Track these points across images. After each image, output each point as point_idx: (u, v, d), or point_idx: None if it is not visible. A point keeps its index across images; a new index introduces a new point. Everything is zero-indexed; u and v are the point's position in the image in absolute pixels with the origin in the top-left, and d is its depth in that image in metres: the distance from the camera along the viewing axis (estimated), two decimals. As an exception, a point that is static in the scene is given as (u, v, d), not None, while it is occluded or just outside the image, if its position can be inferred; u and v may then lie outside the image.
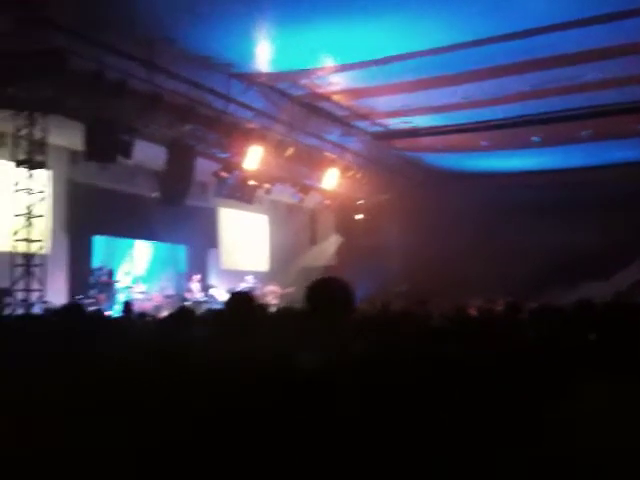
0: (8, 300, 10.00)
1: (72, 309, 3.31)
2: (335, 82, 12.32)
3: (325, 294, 2.30)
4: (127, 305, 7.33)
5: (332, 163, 15.59)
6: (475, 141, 15.20)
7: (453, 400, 2.39)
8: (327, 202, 17.99)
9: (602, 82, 11.72)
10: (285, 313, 3.31)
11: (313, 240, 21.90)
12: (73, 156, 13.70)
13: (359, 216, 18.89)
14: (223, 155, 14.17)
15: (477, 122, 14.10)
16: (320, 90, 12.78)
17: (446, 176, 17.87)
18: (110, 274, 14.39)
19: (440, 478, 2.03)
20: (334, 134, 15.09)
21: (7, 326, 3.70)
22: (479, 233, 16.92)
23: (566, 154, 15.95)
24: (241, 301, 2.65)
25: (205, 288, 16.69)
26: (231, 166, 14.31)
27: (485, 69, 11.24)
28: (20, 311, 9.77)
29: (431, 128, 14.79)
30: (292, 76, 12.10)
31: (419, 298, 9.29)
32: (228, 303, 2.68)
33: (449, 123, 14.33)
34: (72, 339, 2.94)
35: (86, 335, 2.93)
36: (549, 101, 12.72)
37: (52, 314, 4.36)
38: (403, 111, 13.74)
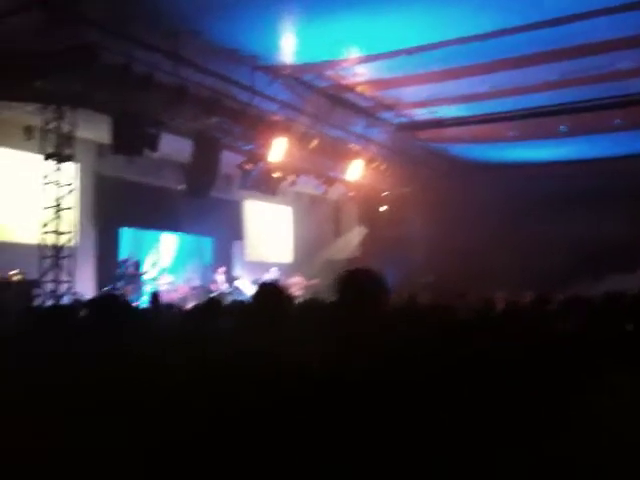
0: (37, 292, 10.18)
1: (107, 301, 3.36)
2: (360, 73, 12.26)
3: (355, 286, 2.29)
4: (155, 296, 7.42)
5: (356, 154, 15.54)
6: (502, 131, 15.03)
7: (481, 393, 2.38)
8: (351, 194, 17.96)
9: (632, 70, 11.50)
10: (313, 305, 3.31)
11: (337, 232, 21.89)
12: (100, 149, 13.86)
13: (383, 208, 18.82)
14: (248, 147, 14.22)
15: (504, 112, 13.93)
16: (345, 81, 12.73)
17: (471, 167, 17.71)
18: (137, 266, 14.55)
19: (467, 471, 2.02)
20: (359, 125, 15.04)
21: (44, 316, 3.76)
22: (505, 224, 16.76)
23: (594, 144, 15.69)
24: (269, 293, 2.66)
25: (230, 280, 16.80)
26: (256, 158, 14.36)
27: (513, 58, 11.09)
28: (49, 302, 9.94)
29: (457, 119, 14.65)
30: (317, 68, 12.07)
31: (456, 291, 9.25)
32: (256, 294, 2.69)
33: (476, 113, 14.19)
34: (107, 331, 2.99)
35: (120, 327, 2.98)
36: (577, 90, 12.52)
37: (87, 305, 4.42)
38: (429, 101, 13.62)
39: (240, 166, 14.47)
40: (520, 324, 4.48)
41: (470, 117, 14.42)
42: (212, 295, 14.80)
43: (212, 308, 4.09)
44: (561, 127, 14.37)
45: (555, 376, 2.64)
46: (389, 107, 14.36)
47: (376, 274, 2.33)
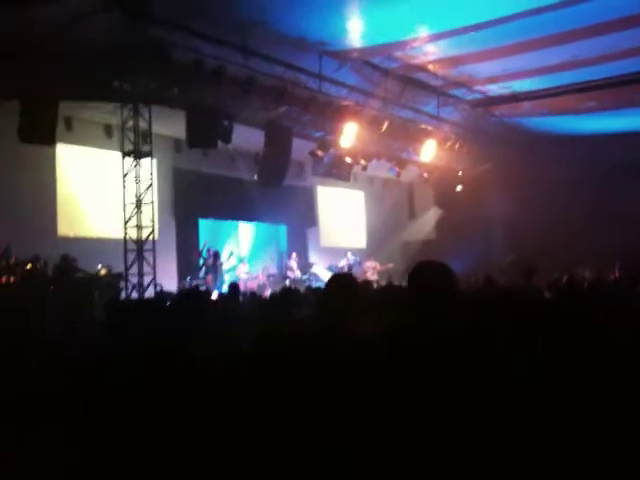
0: (123, 285, 10.60)
1: (192, 294, 3.46)
2: (430, 52, 11.98)
3: (424, 281, 2.25)
4: (233, 286, 7.56)
5: (429, 135, 15.26)
6: (580, 102, 14.35)
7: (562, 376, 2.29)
8: (425, 175, 17.66)
9: None
10: (384, 297, 3.28)
11: (412, 214, 21.65)
12: (177, 144, 14.28)
13: (459, 188, 18.41)
14: (318, 134, 14.23)
15: (583, 82, 13.28)
16: (415, 61, 12.48)
17: (549, 140, 17.00)
18: (216, 256, 14.91)
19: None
20: (430, 105, 14.74)
21: (129, 309, 3.91)
22: (587, 199, 16.05)
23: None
24: (341, 283, 2.65)
25: (306, 266, 16.96)
26: (327, 144, 14.36)
27: (590, 27, 10.51)
28: (134, 294, 10.34)
29: (533, 92, 14.10)
30: (385, 49, 11.88)
31: (525, 270, 8.92)
32: (327, 285, 2.68)
33: (552, 85, 13.60)
34: (192, 322, 3.08)
35: (204, 318, 3.06)
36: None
37: (173, 298, 4.56)
38: (503, 76, 13.16)
39: (311, 153, 14.52)
40: (606, 305, 4.27)
41: (546, 89, 13.84)
42: (286, 282, 15.02)
43: (288, 297, 4.13)
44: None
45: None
46: (461, 84, 13.98)
47: (445, 266, 2.28)
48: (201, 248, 14.96)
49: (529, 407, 2.02)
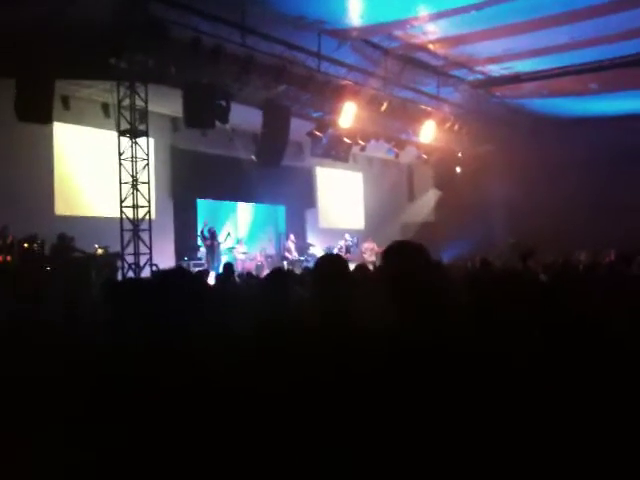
0: (119, 264, 10.58)
1: (175, 273, 3.42)
2: (431, 31, 11.83)
3: (397, 258, 2.22)
4: (227, 267, 7.55)
5: (429, 115, 15.15)
6: (583, 83, 14.21)
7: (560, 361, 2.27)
8: (424, 156, 17.57)
9: None
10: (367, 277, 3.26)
11: (411, 196, 21.59)
12: (174, 123, 14.18)
13: (458, 169, 18.33)
14: (317, 114, 14.13)
15: (585, 63, 13.14)
16: (415, 40, 12.34)
17: (551, 123, 16.89)
18: (214, 236, 14.89)
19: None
20: (430, 85, 14.60)
21: (120, 288, 3.87)
22: (588, 182, 15.97)
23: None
24: (329, 264, 2.62)
25: (304, 247, 16.95)
26: (325, 124, 14.27)
27: (593, 6, 10.38)
28: (130, 274, 10.32)
29: (535, 72, 13.96)
30: (385, 28, 11.74)
31: (522, 253, 8.89)
32: (315, 267, 2.66)
33: (554, 66, 13.46)
34: (174, 303, 3.04)
35: (187, 299, 3.02)
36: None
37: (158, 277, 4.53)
38: (504, 56, 13.03)
39: (310, 133, 14.43)
40: (599, 288, 4.25)
41: (548, 70, 13.70)
42: (285, 263, 15.02)
43: (280, 278, 4.10)
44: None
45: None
46: (462, 64, 13.84)
47: (419, 246, 2.24)
48: (202, 228, 14.92)
49: (525, 397, 2.00)
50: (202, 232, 14.83)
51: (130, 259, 10.48)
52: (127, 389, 2.40)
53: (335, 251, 16.32)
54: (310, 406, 2.09)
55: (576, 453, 1.91)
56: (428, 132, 15.42)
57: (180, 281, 3.52)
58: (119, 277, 10.15)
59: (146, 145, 10.71)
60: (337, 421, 1.99)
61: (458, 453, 1.83)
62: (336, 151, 15.32)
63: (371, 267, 12.36)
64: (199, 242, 15.14)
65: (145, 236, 10.62)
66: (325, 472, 1.97)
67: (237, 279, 7.74)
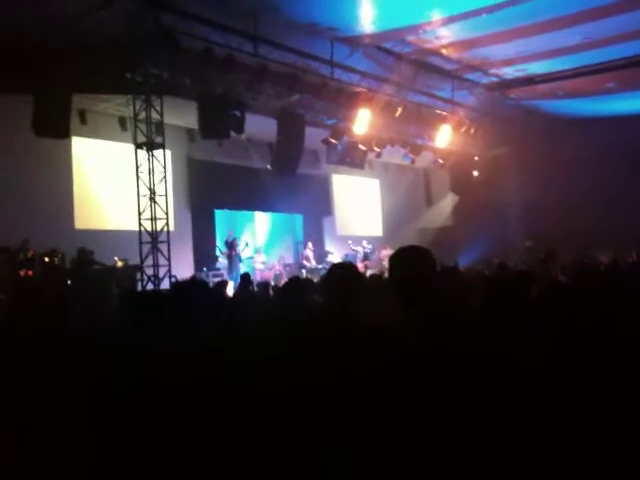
0: (138, 276, 10.64)
1: (193, 285, 3.44)
2: (444, 35, 11.81)
3: (403, 264, 2.22)
4: (244, 277, 7.55)
5: (444, 120, 15.10)
6: (599, 83, 14.09)
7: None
8: (441, 161, 17.50)
9: None
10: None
11: (428, 201, 21.51)
12: (190, 135, 14.29)
13: (475, 173, 18.22)
14: (331, 121, 14.15)
15: (601, 63, 13.03)
16: (428, 45, 12.32)
17: (568, 123, 16.76)
18: (232, 246, 14.93)
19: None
20: (445, 89, 14.57)
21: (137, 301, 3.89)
22: (607, 181, 15.79)
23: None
24: (341, 272, 2.62)
25: (322, 255, 16.94)
26: (340, 132, 14.28)
27: (606, 6, 10.29)
28: (150, 286, 10.38)
29: (549, 74, 13.88)
30: (398, 33, 11.74)
31: (542, 255, 8.83)
32: (327, 275, 2.66)
33: (569, 67, 13.37)
34: (191, 314, 3.06)
35: (204, 310, 3.04)
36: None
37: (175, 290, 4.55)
38: (518, 58, 12.97)
39: (325, 141, 14.45)
40: (619, 287, 4.18)
41: (563, 71, 13.61)
42: (304, 272, 15.02)
43: (297, 286, 4.10)
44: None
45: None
46: (476, 68, 13.79)
47: (424, 251, 2.24)
48: (227, 238, 14.94)
49: (531, 399, 1.97)
50: (227, 242, 14.84)
51: (149, 271, 10.55)
52: (147, 394, 2.42)
53: (358, 257, 16.41)
54: (311, 410, 2.09)
55: (586, 453, 1.89)
56: (444, 136, 15.37)
57: (197, 292, 3.55)
58: (139, 289, 10.21)
59: (163, 157, 10.79)
60: (343, 422, 1.99)
61: (460, 454, 1.81)
62: (352, 158, 15.32)
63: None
64: (217, 252, 15.19)
65: (164, 248, 10.69)
66: (332, 472, 1.97)
67: (255, 289, 7.74)
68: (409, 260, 2.22)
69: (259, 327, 3.47)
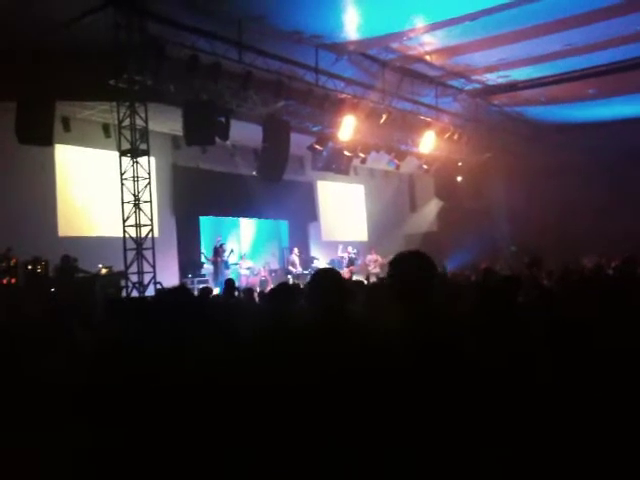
0: (123, 283, 10.57)
1: (177, 292, 3.42)
2: (427, 42, 11.91)
3: (402, 269, 2.24)
4: (228, 282, 7.53)
5: (428, 126, 15.19)
6: (581, 90, 14.26)
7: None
8: (425, 166, 17.60)
9: None
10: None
11: (413, 206, 21.60)
12: (175, 141, 14.25)
13: (459, 178, 18.34)
14: (316, 128, 14.18)
15: (583, 69, 13.20)
16: (412, 52, 12.41)
17: (551, 129, 16.94)
18: (218, 252, 14.89)
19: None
20: (429, 96, 14.67)
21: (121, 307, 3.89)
22: (590, 187, 15.97)
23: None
24: (324, 277, 2.64)
25: (308, 261, 16.95)
26: (325, 138, 14.32)
27: (587, 13, 10.43)
28: (135, 293, 10.31)
29: (532, 80, 14.03)
30: (382, 41, 11.81)
31: (528, 260, 8.89)
32: (310, 281, 2.68)
33: (551, 73, 13.53)
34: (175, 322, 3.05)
35: (187, 318, 3.03)
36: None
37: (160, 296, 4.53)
38: (501, 65, 13.11)
39: (310, 147, 14.47)
40: (604, 290, 4.23)
41: (545, 77, 13.76)
42: (290, 278, 15.01)
43: (284, 292, 4.10)
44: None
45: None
46: (459, 74, 13.91)
47: (423, 256, 2.26)
48: (215, 244, 14.90)
49: (526, 401, 1.99)
50: (215, 248, 14.79)
51: (134, 278, 10.48)
52: (133, 397, 2.42)
53: (344, 262, 16.45)
54: (305, 411, 2.10)
55: (583, 453, 1.91)
56: (428, 142, 15.46)
57: (181, 299, 3.53)
58: (124, 296, 10.14)
59: (147, 164, 10.73)
60: (338, 422, 2.00)
61: (457, 453, 1.83)
62: (337, 164, 15.35)
63: (374, 279, 12.34)
64: (202, 259, 15.15)
65: (149, 254, 10.62)
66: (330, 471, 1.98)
67: (241, 294, 7.73)
68: (410, 264, 2.23)
69: (248, 332, 3.47)
